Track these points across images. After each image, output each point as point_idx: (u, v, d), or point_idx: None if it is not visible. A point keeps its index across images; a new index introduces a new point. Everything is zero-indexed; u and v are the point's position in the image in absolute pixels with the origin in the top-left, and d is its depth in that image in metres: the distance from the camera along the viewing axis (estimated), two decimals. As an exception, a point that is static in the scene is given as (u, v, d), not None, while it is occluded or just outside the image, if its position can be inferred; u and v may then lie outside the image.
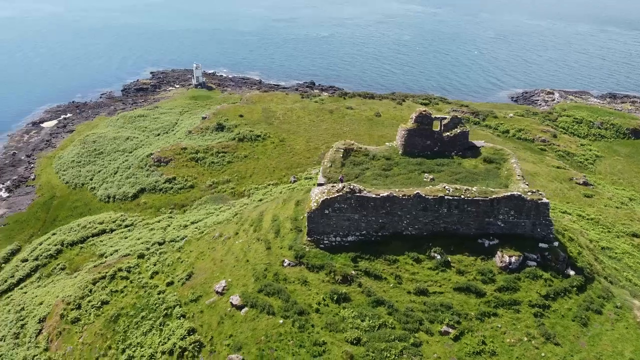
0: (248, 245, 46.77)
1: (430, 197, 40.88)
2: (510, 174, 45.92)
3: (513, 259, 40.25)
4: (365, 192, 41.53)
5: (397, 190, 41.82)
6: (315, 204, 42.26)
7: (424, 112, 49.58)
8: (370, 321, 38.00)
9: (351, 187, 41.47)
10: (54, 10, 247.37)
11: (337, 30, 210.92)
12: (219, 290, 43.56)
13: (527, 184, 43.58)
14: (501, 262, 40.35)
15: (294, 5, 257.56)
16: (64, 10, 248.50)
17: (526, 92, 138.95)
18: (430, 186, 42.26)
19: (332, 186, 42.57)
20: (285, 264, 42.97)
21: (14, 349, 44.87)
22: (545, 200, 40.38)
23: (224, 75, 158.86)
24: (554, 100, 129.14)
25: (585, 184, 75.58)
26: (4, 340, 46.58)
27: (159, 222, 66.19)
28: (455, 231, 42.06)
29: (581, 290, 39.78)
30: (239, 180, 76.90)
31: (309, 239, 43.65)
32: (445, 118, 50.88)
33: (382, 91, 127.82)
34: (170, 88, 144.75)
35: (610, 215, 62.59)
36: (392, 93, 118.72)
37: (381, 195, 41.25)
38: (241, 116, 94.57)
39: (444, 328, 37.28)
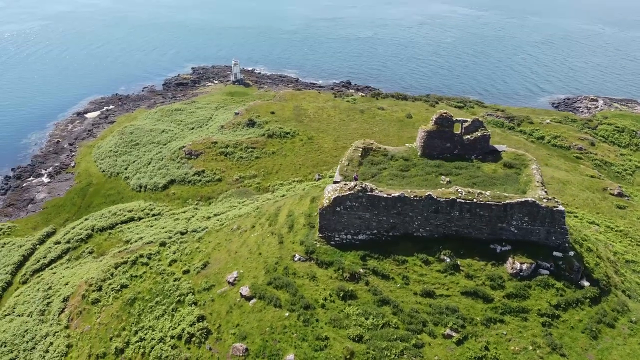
0: (262, 238, 47.74)
1: (442, 200, 40.59)
2: (530, 180, 44.88)
3: (524, 266, 39.44)
4: (376, 191, 41.65)
5: (409, 190, 41.72)
6: (327, 201, 42.71)
7: (444, 114, 49.14)
8: (374, 320, 38.15)
9: (363, 185, 41.68)
10: (108, 6, 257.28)
11: (379, 31, 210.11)
12: (231, 280, 44.71)
13: (546, 191, 42.49)
14: (512, 268, 39.62)
15: (339, 5, 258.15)
16: (118, 5, 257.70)
17: (568, 99, 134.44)
18: (443, 188, 41.91)
19: (345, 184, 42.92)
20: (295, 259, 43.64)
21: (38, 325, 47.53)
22: (561, 207, 39.34)
23: (262, 72, 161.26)
24: (597, 107, 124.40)
25: (620, 195, 72.71)
26: (31, 316, 49.38)
27: (184, 212, 68.30)
28: (467, 235, 41.55)
29: (595, 302, 38.57)
30: (265, 175, 78.24)
31: (320, 235, 44.14)
32: (467, 121, 50.23)
33: (418, 93, 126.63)
34: (209, 84, 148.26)
35: (643, 229, 60.06)
36: (426, 95, 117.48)
37: (392, 195, 41.28)
38: (273, 113, 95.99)
39: (447, 331, 37.01)
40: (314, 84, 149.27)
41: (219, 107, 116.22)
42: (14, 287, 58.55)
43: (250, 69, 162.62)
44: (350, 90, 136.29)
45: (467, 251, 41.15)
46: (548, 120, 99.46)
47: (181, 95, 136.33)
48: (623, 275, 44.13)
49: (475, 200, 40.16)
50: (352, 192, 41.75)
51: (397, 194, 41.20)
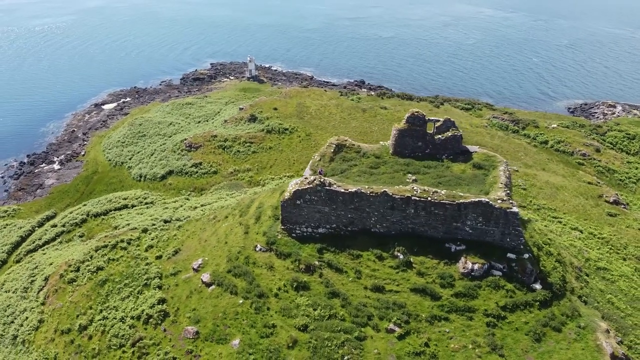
0: (231, 228, 49.13)
1: (397, 197, 41.04)
2: (496, 181, 44.77)
3: (476, 267, 39.57)
4: (334, 186, 42.41)
5: (366, 187, 42.33)
6: (288, 194, 43.74)
7: (415, 113, 49.40)
8: (322, 311, 39.04)
9: (321, 180, 42.51)
10: (139, 2, 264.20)
11: (400, 31, 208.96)
12: (195, 267, 46.30)
13: (508, 193, 42.30)
14: (464, 268, 39.80)
15: (363, 5, 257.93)
16: (148, 1, 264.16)
17: (586, 104, 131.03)
18: (399, 186, 42.34)
19: (305, 178, 43.84)
20: (257, 249, 44.85)
21: (19, 301, 50.25)
22: (514, 209, 39.24)
23: (279, 69, 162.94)
24: (614, 113, 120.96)
25: (616, 202, 71.04)
26: (15, 293, 52.21)
27: (174, 202, 70.42)
28: (423, 233, 41.90)
29: (545, 305, 38.39)
30: (258, 170, 79.74)
31: (282, 227, 45.22)
32: (439, 120, 50.36)
33: (431, 94, 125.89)
34: (225, 79, 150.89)
35: (628, 237, 58.70)
36: (434, 96, 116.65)
37: (349, 190, 41.98)
38: (275, 109, 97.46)
39: (391, 326, 37.58)
40: (327, 82, 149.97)
41: (229, 102, 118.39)
42: (7, 266, 61.79)
43: (267, 66, 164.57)
44: (363, 90, 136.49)
45: (422, 249, 41.51)
46: (555, 125, 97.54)
47: (196, 90, 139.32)
48: (585, 281, 43.56)
49: (429, 198, 40.46)
50: (311, 186, 42.64)
51: (353, 190, 41.88)
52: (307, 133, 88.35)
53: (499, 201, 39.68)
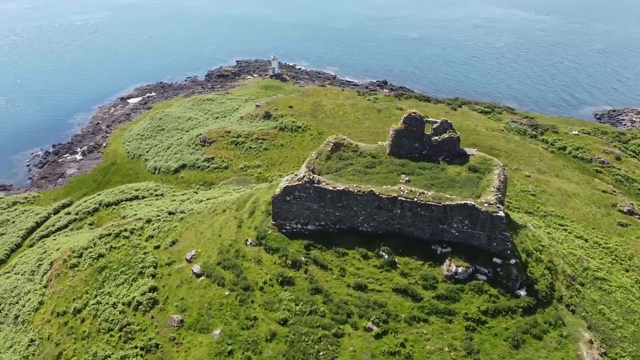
0: (226, 222, 50.13)
1: (383, 196, 41.11)
2: (489, 184, 44.23)
3: (460, 270, 39.29)
4: (323, 183, 42.80)
5: (354, 185, 42.55)
6: (279, 190, 44.40)
7: (413, 114, 49.20)
8: (303, 306, 39.52)
9: (310, 177, 42.96)
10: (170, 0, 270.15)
11: (429, 33, 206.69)
12: (188, 258, 47.49)
13: (499, 197, 41.73)
14: (447, 270, 39.57)
15: (392, 5, 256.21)
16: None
17: (614, 111, 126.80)
18: (387, 186, 42.36)
19: (295, 175, 44.40)
20: (248, 243, 45.68)
21: (25, 283, 52.59)
22: (500, 214, 38.74)
23: (303, 68, 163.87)
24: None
25: (630, 212, 68.78)
26: (23, 275, 54.64)
27: (183, 194, 72.10)
28: (410, 234, 41.84)
29: (528, 312, 37.82)
30: (268, 166, 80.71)
31: (273, 222, 45.92)
32: (436, 122, 49.99)
33: (453, 96, 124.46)
34: (249, 77, 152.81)
35: (635, 248, 56.91)
36: (455, 99, 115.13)
37: (337, 188, 42.29)
38: (291, 107, 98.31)
39: (369, 324, 37.75)
40: (349, 82, 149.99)
41: (248, 99, 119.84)
42: (21, 249, 64.66)
43: (291, 64, 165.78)
44: (384, 90, 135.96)
45: (407, 250, 41.45)
46: (576, 132, 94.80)
47: (219, 87, 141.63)
48: (577, 290, 42.56)
49: (415, 199, 40.38)
50: (301, 182, 43.16)
51: (341, 188, 42.18)
52: (319, 132, 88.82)
53: (485, 205, 39.25)
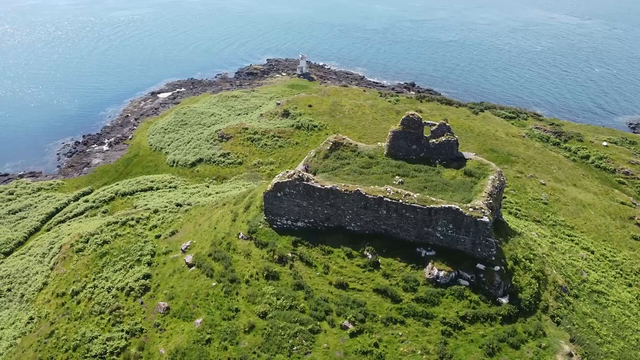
0: (223, 215, 51.32)
1: (370, 196, 41.23)
2: (481, 189, 43.63)
3: (441, 273, 39.01)
4: (312, 181, 43.30)
5: (342, 184, 42.84)
6: (270, 186, 45.18)
7: (411, 115, 49.00)
8: (284, 301, 40.15)
9: (300, 174, 43.53)
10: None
11: (464, 35, 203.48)
12: (183, 248, 48.94)
13: (489, 203, 41.15)
14: (429, 274, 39.37)
15: (429, 7, 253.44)
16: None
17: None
18: (374, 186, 42.42)
19: (287, 171, 45.03)
20: (239, 236, 46.68)
21: (35, 265, 55.36)
22: (485, 219, 38.20)
23: (332, 68, 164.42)
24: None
25: (649, 226, 66.04)
26: (35, 257, 57.50)
27: (195, 188, 74.00)
28: (395, 235, 41.81)
29: (508, 320, 37.19)
30: (281, 163, 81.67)
31: (265, 218, 46.75)
32: (434, 124, 49.60)
33: (479, 100, 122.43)
34: (277, 75, 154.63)
35: (646, 263, 54.74)
36: (480, 103, 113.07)
37: (325, 186, 42.68)
38: (310, 106, 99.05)
39: (346, 323, 37.98)
40: (377, 83, 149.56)
41: (273, 97, 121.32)
42: (39, 233, 67.85)
43: (321, 64, 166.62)
44: (411, 92, 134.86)
45: (392, 251, 41.44)
46: (605, 143, 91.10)
47: (247, 84, 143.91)
48: (568, 302, 41.42)
49: (401, 201, 40.31)
50: (290, 179, 43.79)
51: (329, 186, 42.55)
52: (335, 131, 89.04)
53: (470, 209, 38.79)
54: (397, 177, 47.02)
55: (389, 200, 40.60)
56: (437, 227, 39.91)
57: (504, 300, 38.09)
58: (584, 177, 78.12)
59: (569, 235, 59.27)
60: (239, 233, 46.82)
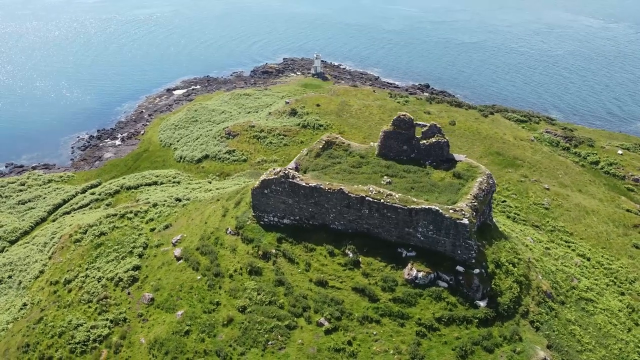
0: (215, 210, 52.13)
1: (352, 195, 41.42)
2: (468, 192, 43.35)
3: (420, 274, 38.98)
4: (297, 179, 43.68)
5: (326, 182, 43.12)
6: (258, 183, 45.76)
7: (402, 116, 48.93)
8: (264, 296, 40.67)
9: (285, 172, 43.97)
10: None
11: (485, 38, 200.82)
12: (174, 242, 49.91)
13: (472, 205, 40.88)
14: (408, 274, 39.36)
15: (450, 8, 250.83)
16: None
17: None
18: (357, 185, 42.57)
19: (274, 169, 45.52)
20: (227, 232, 47.40)
21: (36, 253, 57.17)
22: (465, 221, 37.99)
23: (347, 68, 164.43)
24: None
25: (653, 235, 64.43)
26: (37, 246, 59.36)
27: (197, 183, 75.18)
28: (377, 235, 41.89)
29: (485, 324, 36.95)
30: (284, 161, 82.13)
31: (253, 214, 47.34)
32: (425, 125, 49.40)
33: (492, 102, 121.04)
34: (292, 74, 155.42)
35: (644, 272, 53.52)
36: (492, 105, 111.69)
37: (309, 184, 43.03)
38: (318, 105, 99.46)
39: (321, 320, 38.28)
40: (391, 83, 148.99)
41: (285, 96, 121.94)
42: (45, 223, 69.95)
43: (336, 63, 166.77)
44: (425, 94, 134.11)
45: (373, 250, 41.53)
46: (620, 152, 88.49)
47: (261, 83, 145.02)
48: (551, 308, 40.84)
49: (383, 200, 40.40)
50: (276, 177, 44.28)
51: (313, 184, 42.90)
52: (340, 131, 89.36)
53: (450, 211, 38.64)
54: (385, 177, 47.04)
55: (371, 199, 40.73)
56: (418, 228, 39.87)
57: (482, 304, 37.83)
58: (590, 183, 76.61)
59: (566, 242, 58.34)
60: (227, 228, 47.53)
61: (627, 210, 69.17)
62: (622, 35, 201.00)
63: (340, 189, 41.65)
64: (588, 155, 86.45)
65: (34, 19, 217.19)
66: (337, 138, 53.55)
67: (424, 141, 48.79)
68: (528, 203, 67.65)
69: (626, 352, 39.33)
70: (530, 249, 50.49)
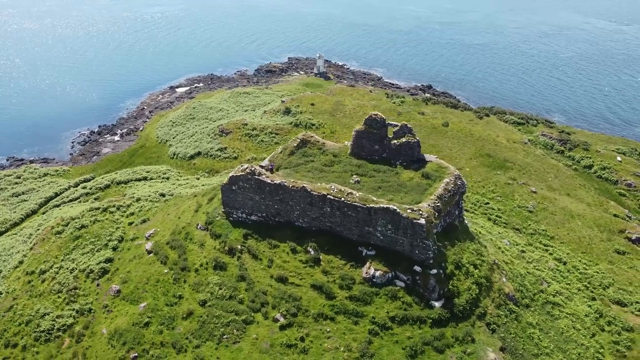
0: (189, 206, 52.87)
1: (314, 193, 41.77)
2: (433, 192, 43.39)
3: (378, 273, 39.19)
4: (263, 176, 44.17)
5: (291, 180, 43.51)
6: (226, 179, 46.36)
7: (374, 116, 49.13)
8: (226, 291, 41.27)
9: (252, 169, 44.49)
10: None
11: (492, 39, 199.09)
12: (147, 235, 50.77)
13: (435, 205, 40.92)
14: (366, 273, 39.60)
15: (460, 9, 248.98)
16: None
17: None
18: (320, 183, 42.87)
19: (242, 165, 46.08)
20: (198, 227, 48.11)
21: (21, 244, 58.52)
22: (421, 221, 38.08)
23: (351, 68, 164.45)
24: None
25: (639, 241, 63.57)
26: (22, 237, 60.76)
27: (185, 180, 76.08)
28: (339, 233, 42.21)
29: (438, 324, 37.04)
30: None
31: (223, 210, 47.96)
32: (396, 125, 49.52)
33: (493, 104, 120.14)
34: (295, 74, 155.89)
35: (621, 278, 52.82)
36: (490, 107, 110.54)
37: (274, 182, 43.49)
38: (312, 105, 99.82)
39: (278, 316, 38.72)
40: (394, 84, 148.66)
41: (284, 95, 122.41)
42: (35, 216, 71.45)
43: (340, 63, 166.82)
44: (427, 95, 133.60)
45: (334, 248, 41.86)
46: (619, 158, 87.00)
47: (264, 82, 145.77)
48: (512, 311, 40.69)
49: (343, 199, 40.68)
50: (243, 173, 44.83)
51: (278, 182, 43.34)
52: (332, 130, 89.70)
53: (408, 211, 38.76)
54: (355, 176, 47.30)
55: (332, 197, 41.03)
56: (377, 227, 40.07)
57: (437, 304, 37.91)
58: (580, 187, 75.72)
59: (545, 245, 57.88)
60: (198, 223, 48.24)
61: (615, 215, 68.23)
62: (633, 38, 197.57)
63: (303, 186, 42.03)
64: (582, 159, 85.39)
65: (48, 15, 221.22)
66: (312, 137, 53.92)
67: (395, 141, 48.90)
68: (512, 206, 67.20)
69: (584, 358, 39.02)
70: (503, 252, 50.27)
